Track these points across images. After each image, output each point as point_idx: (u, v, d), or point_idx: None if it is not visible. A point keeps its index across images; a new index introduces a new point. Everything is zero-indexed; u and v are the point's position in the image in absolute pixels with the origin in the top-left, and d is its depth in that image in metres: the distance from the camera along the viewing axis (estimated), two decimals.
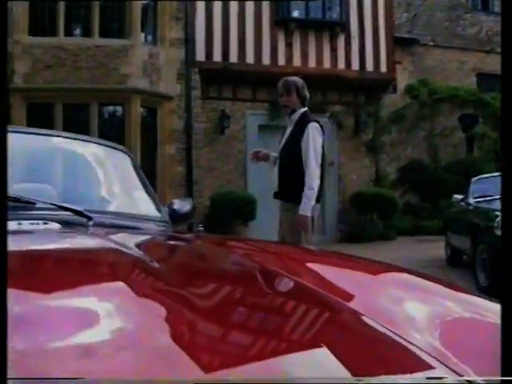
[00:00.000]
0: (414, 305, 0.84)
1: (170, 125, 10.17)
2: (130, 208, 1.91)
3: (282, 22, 10.29)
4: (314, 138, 3.48)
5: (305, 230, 3.56)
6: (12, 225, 1.35)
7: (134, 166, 2.14)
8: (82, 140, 2.15)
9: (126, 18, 9.97)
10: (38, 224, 1.43)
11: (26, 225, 1.39)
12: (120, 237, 1.53)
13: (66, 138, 2.11)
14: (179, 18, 10.37)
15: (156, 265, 1.05)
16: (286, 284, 0.94)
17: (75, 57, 9.50)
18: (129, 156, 2.14)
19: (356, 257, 1.33)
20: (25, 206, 1.49)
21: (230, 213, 9.76)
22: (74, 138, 2.14)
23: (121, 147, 2.21)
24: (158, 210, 1.92)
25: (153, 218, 1.84)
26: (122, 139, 9.89)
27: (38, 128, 7.02)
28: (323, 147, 3.60)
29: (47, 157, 2.11)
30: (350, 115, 11.20)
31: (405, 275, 1.00)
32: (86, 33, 9.82)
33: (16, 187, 1.72)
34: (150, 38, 10.12)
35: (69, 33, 9.80)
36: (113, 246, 1.26)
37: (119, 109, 9.87)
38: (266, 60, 10.28)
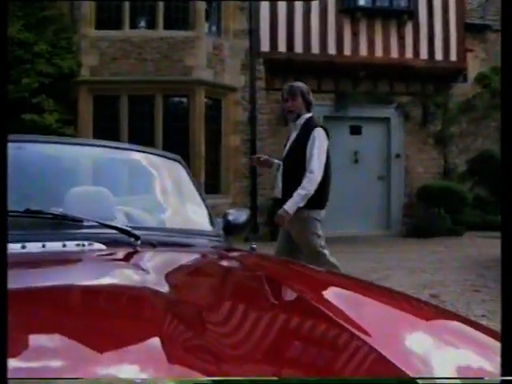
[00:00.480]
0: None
1: (234, 116, 10.54)
2: (182, 222, 1.95)
3: (347, 10, 10.53)
4: (320, 143, 3.55)
5: (281, 226, 3.64)
6: (57, 246, 1.39)
7: (188, 176, 2.12)
8: (134, 150, 2.18)
9: (190, 10, 10.53)
10: (83, 246, 1.43)
11: (71, 246, 1.41)
12: (166, 259, 1.57)
13: (117, 148, 2.17)
14: (243, 8, 10.92)
15: (198, 293, 1.11)
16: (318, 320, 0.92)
17: (140, 49, 9.97)
18: (182, 165, 2.14)
19: (404, 295, 1.25)
20: (72, 224, 1.52)
21: None
22: (125, 148, 2.21)
23: (174, 156, 2.20)
24: (211, 222, 1.94)
25: (205, 233, 1.86)
26: (187, 131, 10.36)
27: (104, 121, 7.58)
28: (328, 152, 3.66)
29: (97, 168, 2.18)
30: (417, 106, 11.30)
31: (455, 323, 0.94)
32: (151, 25, 10.25)
33: (66, 199, 1.80)
34: (214, 28, 10.49)
35: (134, 25, 10.25)
36: (153, 278, 1.24)
37: (184, 100, 10.25)
38: (332, 50, 10.49)
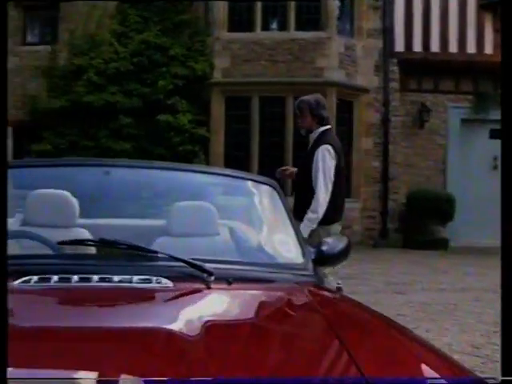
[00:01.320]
0: None
1: (366, 118, 11.02)
2: (266, 254, 2.00)
3: (489, 5, 10.76)
4: (324, 161, 3.76)
5: None
6: (125, 279, 1.46)
7: (282, 202, 2.12)
8: (226, 175, 2.34)
9: (321, 10, 11.45)
10: (149, 282, 1.47)
11: (136, 281, 1.46)
12: (238, 300, 1.59)
13: (206, 172, 2.37)
14: (377, 7, 11.72)
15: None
16: None
17: (271, 51, 10.82)
18: (276, 190, 2.15)
19: None
20: (144, 255, 1.60)
21: (426, 212, 10.38)
22: (216, 173, 2.37)
23: (268, 180, 2.24)
24: (302, 252, 1.90)
25: (291, 266, 1.85)
26: None
27: (236, 121, 8.71)
28: (338, 167, 3.85)
29: (185, 192, 2.27)
30: None
31: None
32: (282, 26, 11.09)
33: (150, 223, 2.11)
34: (346, 29, 11.13)
35: (266, 27, 11.15)
36: (215, 323, 1.31)
37: None
38: (471, 48, 10.80)
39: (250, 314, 1.52)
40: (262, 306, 1.60)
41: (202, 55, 11.00)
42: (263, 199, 2.23)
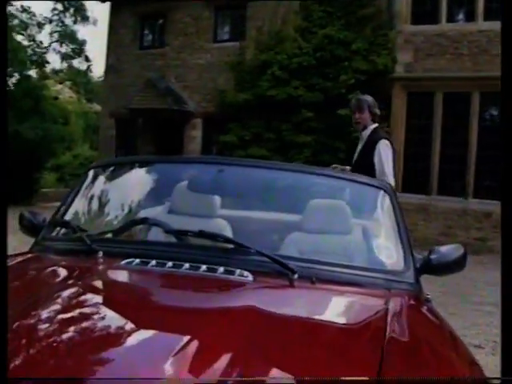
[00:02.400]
0: None
1: None
2: (363, 256, 2.17)
3: None
4: (387, 155, 4.42)
5: None
6: (211, 269, 1.76)
7: (392, 207, 2.28)
8: (336, 177, 2.59)
9: None
10: (231, 274, 1.73)
11: (220, 272, 1.74)
12: (316, 300, 1.76)
13: (319, 174, 2.57)
14: None
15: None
16: None
17: (456, 44, 11.52)
18: (388, 193, 2.34)
19: None
20: (237, 248, 1.89)
21: None
22: (327, 175, 2.58)
23: (379, 184, 2.48)
24: (404, 258, 2.05)
25: (383, 271, 2.02)
26: None
27: (418, 118, 10.22)
28: (394, 162, 4.48)
29: (293, 192, 2.63)
30: None
31: None
32: (469, 17, 11.71)
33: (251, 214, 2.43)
34: None
35: (451, 19, 11.83)
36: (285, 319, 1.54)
37: None
38: None
39: (325, 315, 1.69)
40: (340, 309, 1.78)
41: (385, 49, 12.08)
42: (373, 203, 2.42)
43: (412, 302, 1.90)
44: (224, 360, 1.16)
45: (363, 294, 1.85)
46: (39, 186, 18.48)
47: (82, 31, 30.38)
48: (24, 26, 16.59)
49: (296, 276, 1.78)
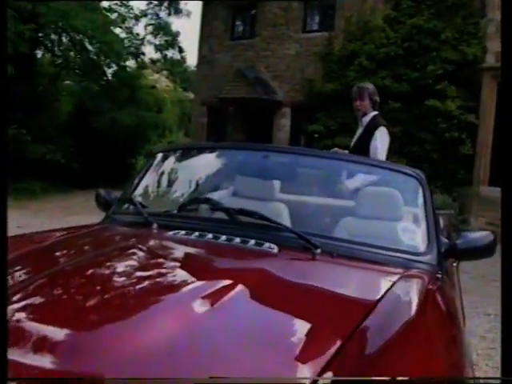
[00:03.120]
0: None
1: None
2: (386, 238, 2.34)
3: None
4: (383, 141, 4.69)
5: None
6: (244, 241, 2.08)
7: (423, 196, 2.47)
8: (373, 164, 2.85)
9: None
10: (261, 246, 2.07)
11: (251, 244, 2.07)
12: (332, 271, 2.04)
13: (359, 162, 2.85)
14: None
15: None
16: None
17: None
18: (420, 182, 2.53)
19: None
20: (268, 224, 2.20)
21: None
22: (363, 163, 2.85)
23: (413, 172, 2.62)
24: (428, 241, 2.26)
25: (407, 252, 2.21)
26: None
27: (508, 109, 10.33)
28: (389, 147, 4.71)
29: (331, 178, 2.96)
30: None
31: None
32: None
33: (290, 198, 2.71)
34: None
35: None
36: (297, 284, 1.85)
37: None
38: None
39: (330, 284, 1.93)
40: (348, 280, 2.00)
41: (475, 38, 12.34)
42: (406, 190, 2.60)
43: (426, 282, 2.03)
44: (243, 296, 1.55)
45: (377, 271, 2.08)
46: (135, 170, 20.08)
47: (177, 23, 31.96)
48: (122, 19, 18.02)
49: (319, 251, 2.08)
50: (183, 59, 20.93)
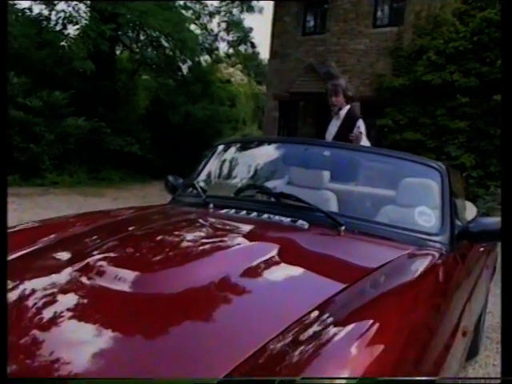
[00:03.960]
0: None
1: None
2: (405, 220, 2.71)
3: None
4: (364, 130, 5.24)
5: None
6: (281, 218, 2.59)
7: (441, 184, 2.87)
8: (387, 155, 3.25)
9: None
10: (294, 222, 2.54)
11: (286, 221, 2.56)
12: (352, 245, 2.46)
13: (385, 155, 3.27)
14: None
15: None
16: None
17: None
18: (441, 173, 2.92)
19: None
20: (303, 206, 2.64)
21: None
22: (397, 157, 3.22)
23: (435, 164, 3.03)
24: (442, 224, 2.66)
25: (422, 232, 2.60)
26: None
27: None
28: None
29: (363, 168, 3.47)
30: None
31: None
32: None
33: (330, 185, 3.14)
34: None
35: None
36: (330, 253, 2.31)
37: None
38: None
39: (353, 255, 2.36)
40: (364, 253, 2.40)
41: None
42: (428, 180, 2.98)
43: (433, 257, 2.36)
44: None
45: (392, 246, 2.46)
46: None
47: (249, 19, 33.20)
48: (197, 16, 19.27)
49: (343, 228, 2.52)
50: (255, 54, 21.93)
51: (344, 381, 1.25)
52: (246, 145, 3.98)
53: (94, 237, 2.33)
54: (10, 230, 2.34)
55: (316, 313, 1.60)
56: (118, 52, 18.39)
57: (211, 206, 2.87)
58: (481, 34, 13.41)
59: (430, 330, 1.76)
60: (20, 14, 14.89)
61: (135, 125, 17.20)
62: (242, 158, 3.71)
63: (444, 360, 1.79)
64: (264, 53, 24.62)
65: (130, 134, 16.05)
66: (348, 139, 5.18)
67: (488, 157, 13.19)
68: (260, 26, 25.20)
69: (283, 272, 2.02)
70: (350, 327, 1.50)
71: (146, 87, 19.06)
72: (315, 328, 1.48)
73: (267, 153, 3.71)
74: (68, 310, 1.57)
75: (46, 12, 15.70)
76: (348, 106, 5.58)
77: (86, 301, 1.66)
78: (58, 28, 15.69)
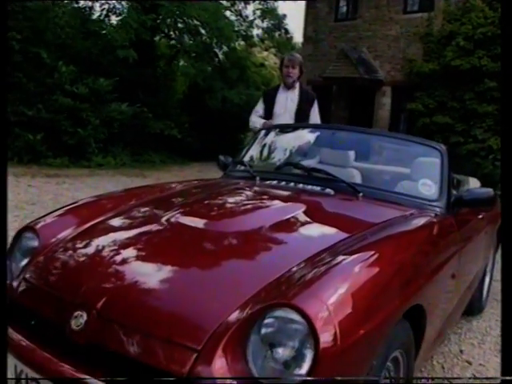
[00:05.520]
0: None
1: None
2: (411, 189, 3.35)
3: None
4: (317, 110, 5.68)
5: None
6: (311, 187, 3.31)
7: (441, 162, 3.46)
8: (398, 138, 4.12)
9: None
10: (323, 190, 3.27)
11: (316, 189, 3.28)
12: (365, 206, 3.12)
13: (391, 137, 4.21)
14: None
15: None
16: None
17: None
18: (441, 153, 3.52)
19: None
20: (330, 178, 3.34)
21: None
22: (399, 138, 4.13)
23: (437, 145, 3.63)
24: (440, 193, 3.30)
25: (423, 198, 3.25)
26: None
27: None
28: None
29: (374, 148, 4.12)
30: None
31: None
32: None
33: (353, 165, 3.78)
34: None
35: None
36: (343, 212, 3.07)
37: None
38: None
39: (366, 214, 3.03)
40: (376, 212, 3.05)
41: None
42: (425, 156, 3.63)
43: (430, 217, 3.04)
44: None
45: (399, 209, 3.09)
46: (243, 144, 22.02)
47: (283, 6, 33.54)
48: (232, 3, 19.89)
49: (361, 194, 3.23)
50: (289, 40, 22.43)
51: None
52: (283, 129, 4.65)
53: (174, 199, 3.22)
54: (92, 200, 3.19)
55: (324, 252, 2.21)
56: (156, 39, 19.12)
57: (258, 178, 3.57)
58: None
59: (416, 266, 2.45)
60: (67, 6, 15.69)
61: (174, 109, 17.97)
62: (281, 141, 4.36)
63: (428, 289, 2.50)
64: (297, 37, 25.08)
65: (170, 118, 16.83)
66: (307, 114, 5.67)
67: None
68: (293, 12, 25.57)
69: (308, 223, 2.79)
70: (354, 256, 2.16)
71: (183, 73, 19.79)
72: (327, 258, 2.14)
73: (301, 136, 4.38)
74: (160, 240, 2.50)
75: (89, 3, 16.49)
76: (298, 81, 5.80)
77: (170, 236, 2.55)
78: (101, 18, 16.48)
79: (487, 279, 4.98)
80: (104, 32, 15.91)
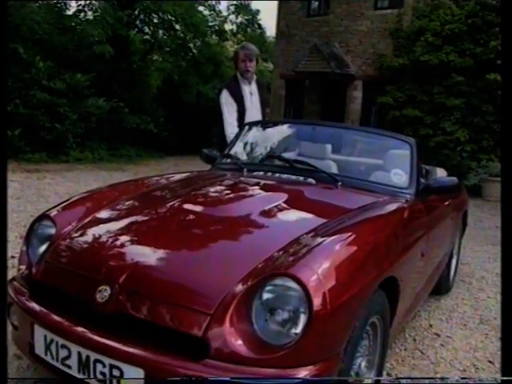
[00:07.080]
0: None
1: None
2: (385, 178, 3.69)
3: None
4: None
5: None
6: (294, 177, 3.68)
7: (411, 153, 3.81)
8: (373, 132, 4.50)
9: None
10: (304, 178, 3.62)
11: (299, 179, 3.64)
12: (341, 194, 3.46)
13: (363, 131, 4.71)
14: None
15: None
16: None
17: None
18: (410, 145, 3.87)
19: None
20: (305, 168, 3.68)
21: None
22: (370, 132, 4.61)
23: (406, 139, 4.00)
24: (409, 182, 3.64)
25: (394, 186, 3.60)
26: None
27: None
28: None
29: (348, 142, 4.48)
30: None
31: None
32: None
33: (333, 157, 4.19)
34: None
35: None
36: (328, 200, 3.42)
37: None
38: None
39: (343, 200, 3.40)
40: (351, 199, 3.41)
41: None
42: (395, 149, 3.98)
43: (400, 203, 3.36)
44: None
45: (373, 196, 3.42)
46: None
47: (255, 1, 33.82)
48: None
49: (339, 183, 3.53)
50: (262, 35, 22.72)
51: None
52: (266, 125, 4.97)
53: (175, 188, 3.60)
54: (100, 190, 3.51)
55: (310, 233, 2.53)
56: (131, 34, 19.29)
57: (245, 170, 3.87)
58: (475, 17, 14.20)
59: (389, 245, 2.82)
60: (42, 2, 15.78)
61: (150, 104, 18.18)
62: (264, 135, 4.66)
63: (400, 265, 2.89)
64: (270, 32, 25.36)
65: (146, 112, 17.05)
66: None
67: (481, 132, 14.12)
68: (266, 7, 25.85)
69: (294, 209, 3.12)
70: (334, 237, 2.49)
71: (158, 68, 19.98)
72: (309, 240, 2.46)
73: (283, 131, 4.70)
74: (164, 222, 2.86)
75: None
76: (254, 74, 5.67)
77: (176, 220, 2.87)
78: (77, 14, 16.60)
79: (454, 261, 5.37)
80: (80, 28, 16.00)
